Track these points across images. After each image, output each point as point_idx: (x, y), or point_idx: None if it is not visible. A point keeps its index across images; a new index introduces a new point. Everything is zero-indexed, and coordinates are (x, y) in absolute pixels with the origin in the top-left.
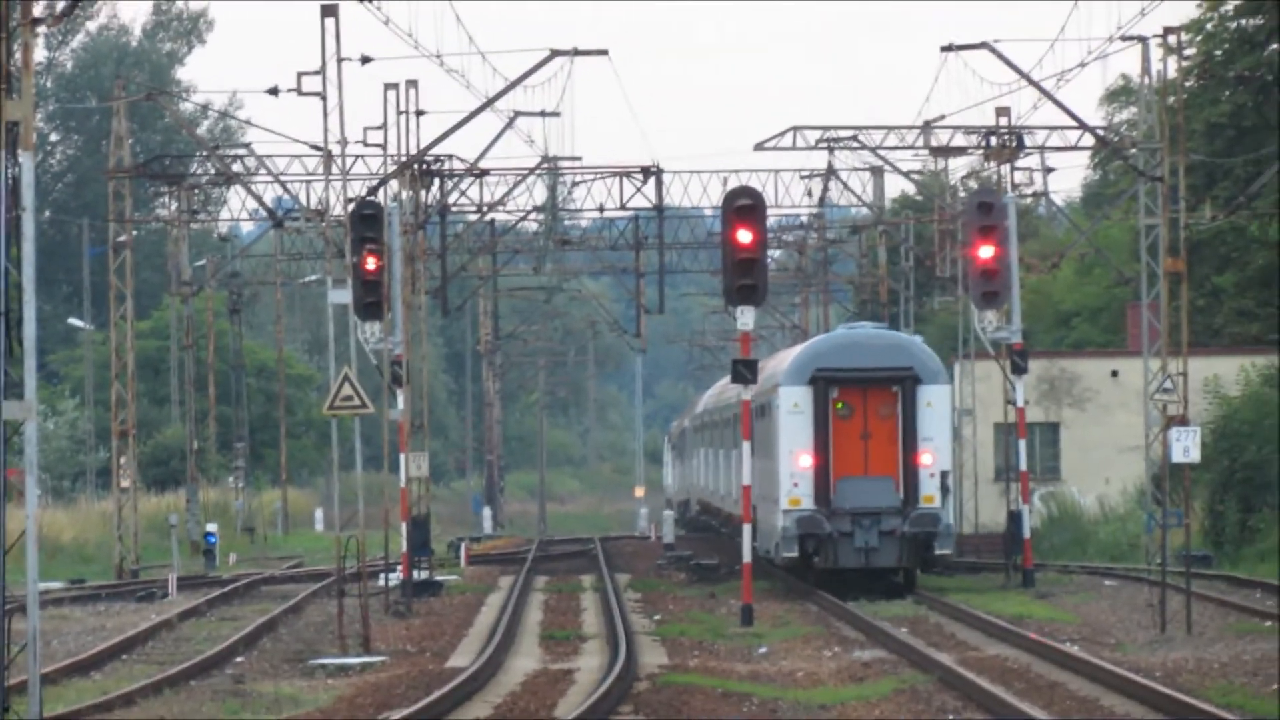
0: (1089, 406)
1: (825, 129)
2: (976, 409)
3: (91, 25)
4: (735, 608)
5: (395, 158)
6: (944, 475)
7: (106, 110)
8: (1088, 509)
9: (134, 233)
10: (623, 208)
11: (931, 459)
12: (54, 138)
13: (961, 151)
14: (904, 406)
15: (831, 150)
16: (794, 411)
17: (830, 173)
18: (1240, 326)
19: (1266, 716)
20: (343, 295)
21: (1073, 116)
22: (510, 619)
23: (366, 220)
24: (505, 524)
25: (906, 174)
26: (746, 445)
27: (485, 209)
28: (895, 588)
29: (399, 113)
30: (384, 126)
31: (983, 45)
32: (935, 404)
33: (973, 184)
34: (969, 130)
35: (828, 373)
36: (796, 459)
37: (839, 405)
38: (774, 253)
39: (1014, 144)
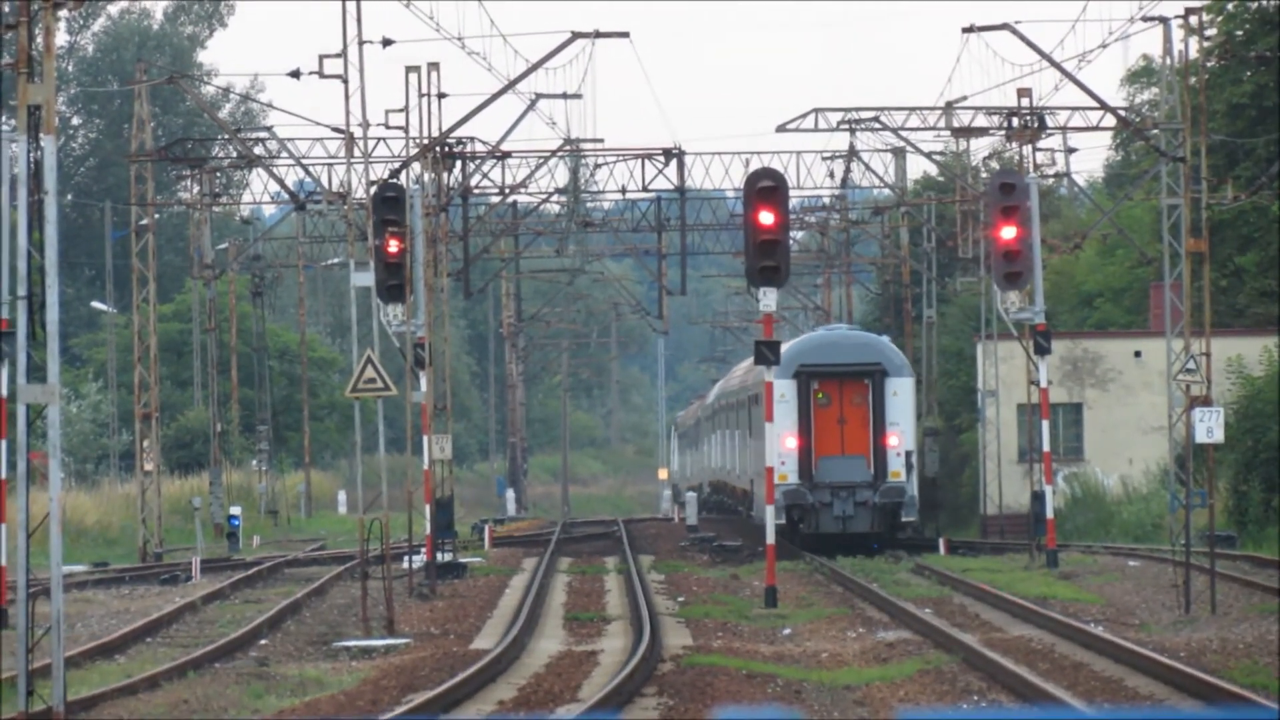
0: (1112, 387)
1: (847, 110)
2: (1000, 390)
3: (113, 9)
4: (759, 589)
5: (417, 140)
6: (908, 454)
7: (128, 94)
8: (1111, 489)
9: (156, 216)
10: (645, 189)
11: (898, 440)
12: (76, 121)
13: (983, 132)
14: (874, 396)
15: (853, 131)
16: (781, 401)
17: (852, 154)
18: (1263, 307)
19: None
20: (365, 278)
21: (1094, 97)
22: (534, 601)
23: (388, 203)
24: (529, 506)
25: (928, 155)
26: (769, 426)
27: (507, 191)
28: (868, 549)
29: (421, 95)
30: (406, 109)
31: (1004, 26)
32: (900, 394)
33: (994, 165)
34: (990, 111)
35: (809, 368)
36: (784, 441)
37: (819, 395)
38: (796, 234)
39: (1036, 125)
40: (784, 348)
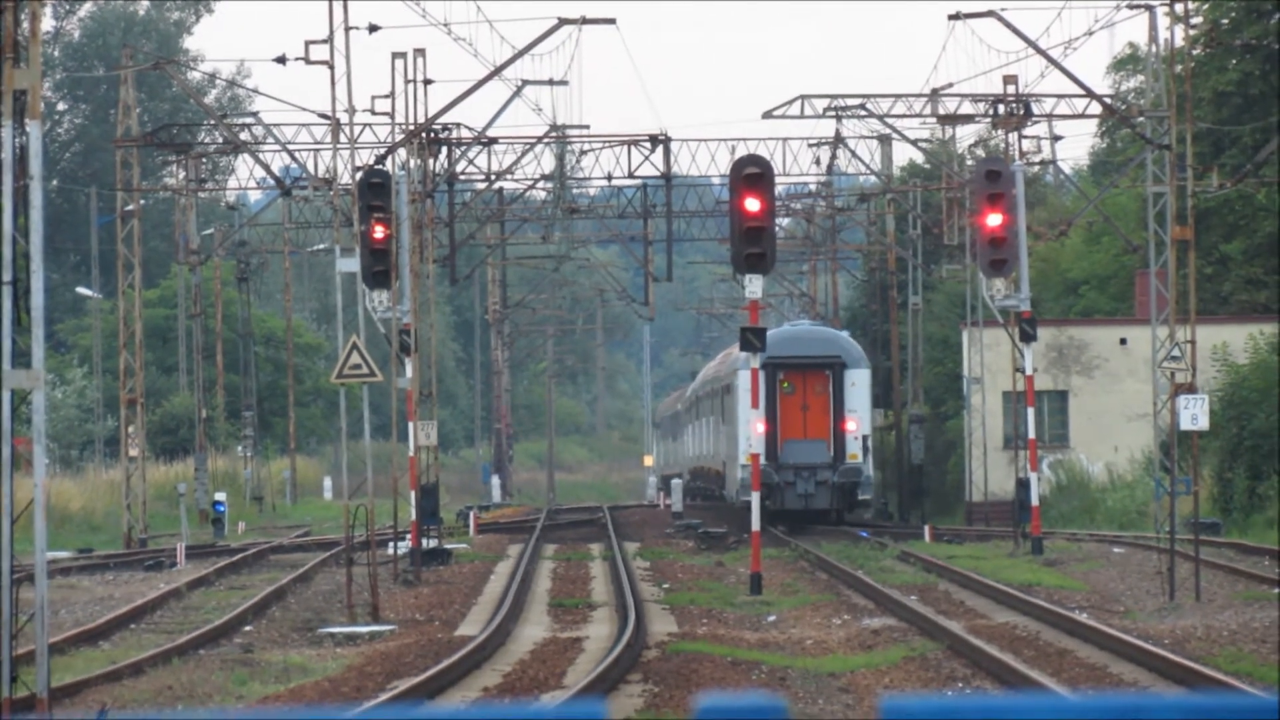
0: (1097, 374)
1: (833, 97)
2: (985, 377)
3: None
4: (744, 576)
5: (403, 126)
6: (865, 438)
7: (114, 79)
8: (1096, 476)
9: (142, 201)
10: (631, 176)
11: (855, 425)
12: (61, 107)
13: (969, 119)
14: (834, 385)
15: (839, 118)
16: (751, 389)
17: (838, 141)
18: (1248, 294)
19: (1274, 684)
20: (351, 264)
21: (1080, 84)
22: (519, 587)
23: (374, 189)
24: (514, 492)
25: (914, 142)
26: (754, 412)
27: (493, 177)
28: (829, 523)
29: (407, 81)
30: (392, 95)
31: (990, 14)
32: (858, 384)
33: (980, 152)
34: (977, 98)
35: (776, 360)
36: (753, 426)
37: (784, 384)
38: (782, 221)
39: (1022, 112)
40: None
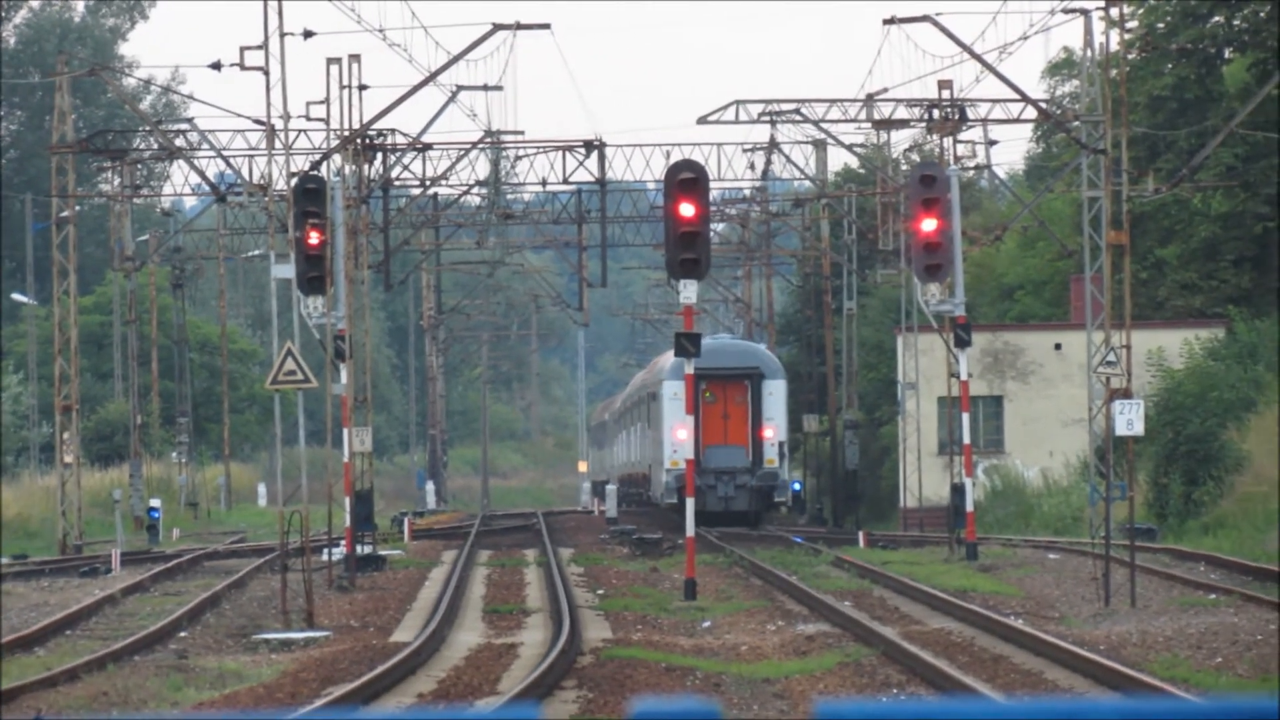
0: (1032, 379)
1: (768, 102)
2: (920, 382)
3: (34, 1)
4: (678, 582)
5: (338, 132)
6: (782, 445)
7: (50, 86)
8: (1031, 482)
9: (77, 208)
10: (565, 182)
11: (773, 433)
12: None
13: (904, 124)
14: (753, 395)
15: (774, 123)
16: (674, 399)
17: (773, 146)
18: (1183, 299)
19: (1210, 689)
20: (285, 270)
21: (1015, 89)
22: (454, 594)
23: (309, 195)
24: (448, 499)
25: (849, 147)
26: (690, 419)
27: (428, 183)
28: (747, 523)
29: (342, 87)
30: (327, 101)
31: (925, 19)
32: (775, 393)
33: (915, 157)
34: (911, 103)
35: (699, 370)
36: (675, 433)
37: (707, 394)
38: (717, 226)
39: (956, 117)
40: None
